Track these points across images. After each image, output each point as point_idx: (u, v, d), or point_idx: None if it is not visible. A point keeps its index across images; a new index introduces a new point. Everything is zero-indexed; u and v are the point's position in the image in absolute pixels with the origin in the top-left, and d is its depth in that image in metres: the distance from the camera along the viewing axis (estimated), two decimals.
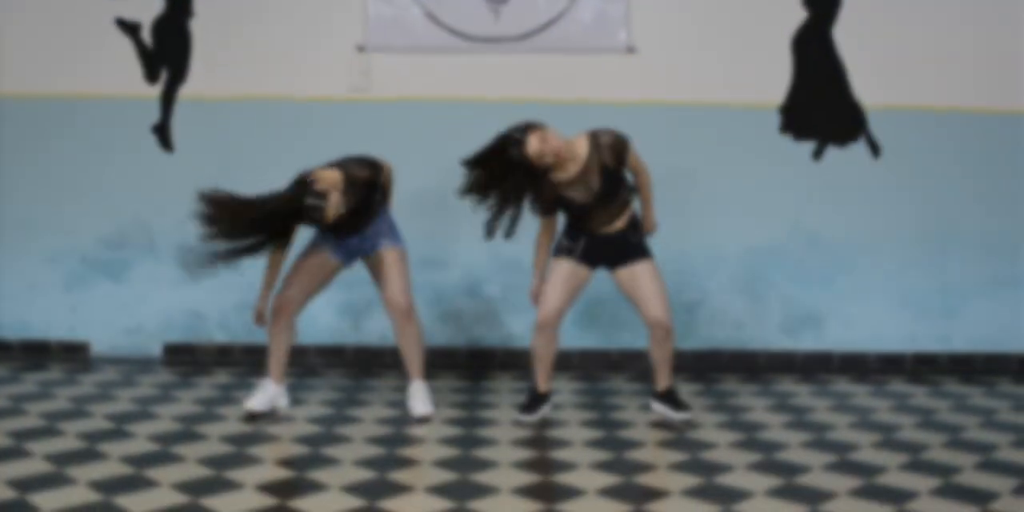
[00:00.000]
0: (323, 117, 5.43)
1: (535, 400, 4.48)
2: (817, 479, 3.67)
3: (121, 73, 5.46)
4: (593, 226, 4.33)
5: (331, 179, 4.10)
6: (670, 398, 4.51)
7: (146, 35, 5.45)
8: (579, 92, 5.44)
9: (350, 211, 4.23)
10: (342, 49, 5.43)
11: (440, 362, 5.46)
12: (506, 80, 5.45)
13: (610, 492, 3.52)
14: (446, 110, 5.43)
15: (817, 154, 5.47)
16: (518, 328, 5.52)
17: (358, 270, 4.73)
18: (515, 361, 5.48)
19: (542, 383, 4.49)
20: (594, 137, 4.26)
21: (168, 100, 5.48)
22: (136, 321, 5.56)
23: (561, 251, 4.40)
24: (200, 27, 5.45)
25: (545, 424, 4.38)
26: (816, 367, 5.50)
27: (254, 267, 5.43)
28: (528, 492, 3.51)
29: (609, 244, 4.36)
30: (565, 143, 4.18)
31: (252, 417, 4.40)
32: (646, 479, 3.67)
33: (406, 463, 3.82)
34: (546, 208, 4.31)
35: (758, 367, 5.50)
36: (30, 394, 4.75)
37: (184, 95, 5.47)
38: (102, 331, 5.57)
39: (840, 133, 5.49)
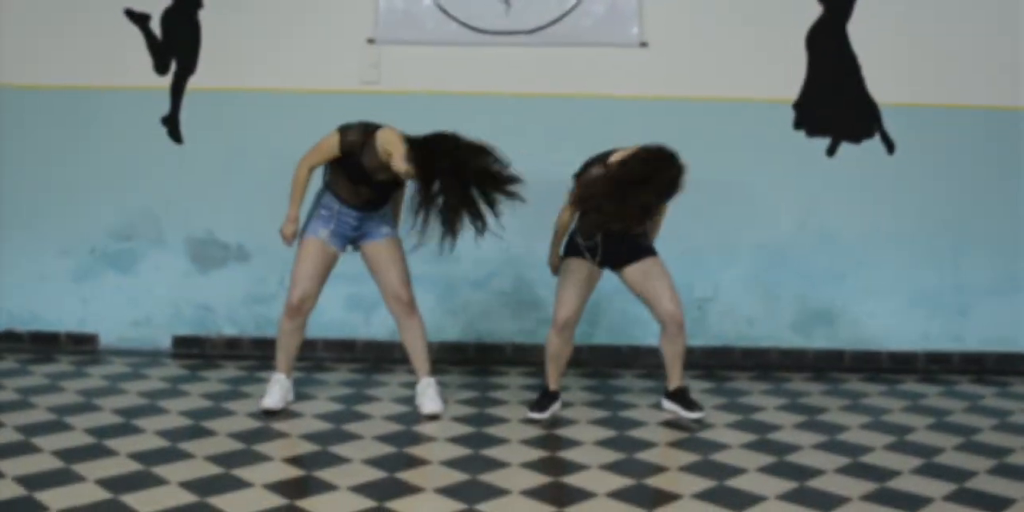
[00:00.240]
0: (333, 109, 5.34)
1: (546, 398, 4.45)
2: (830, 483, 3.64)
3: (131, 64, 5.42)
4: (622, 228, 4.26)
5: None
6: (682, 397, 4.48)
7: (155, 26, 5.41)
8: (590, 86, 5.39)
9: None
10: (353, 41, 5.38)
11: (449, 357, 5.43)
12: (517, 74, 5.41)
13: (620, 495, 3.49)
14: (456, 103, 5.38)
15: (831, 151, 5.42)
16: (528, 323, 5.49)
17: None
18: (525, 356, 5.45)
19: (553, 382, 4.46)
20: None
21: (177, 91, 5.44)
22: (145, 313, 5.54)
23: (575, 251, 4.36)
24: (209, 18, 5.40)
25: (555, 423, 4.36)
26: (827, 365, 5.46)
27: (260, 263, 5.43)
28: (538, 494, 3.49)
29: (623, 243, 4.33)
30: None
31: (268, 413, 4.38)
32: (657, 482, 3.64)
33: (415, 462, 3.80)
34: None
35: (769, 364, 5.47)
36: (39, 387, 4.73)
37: (193, 86, 5.43)
38: (111, 323, 5.55)
39: (854, 129, 5.44)
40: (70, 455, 3.76)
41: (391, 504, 3.36)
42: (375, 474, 3.65)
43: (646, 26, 5.37)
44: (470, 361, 5.46)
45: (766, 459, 3.90)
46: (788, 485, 3.61)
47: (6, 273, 5.53)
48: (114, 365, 5.19)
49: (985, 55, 5.38)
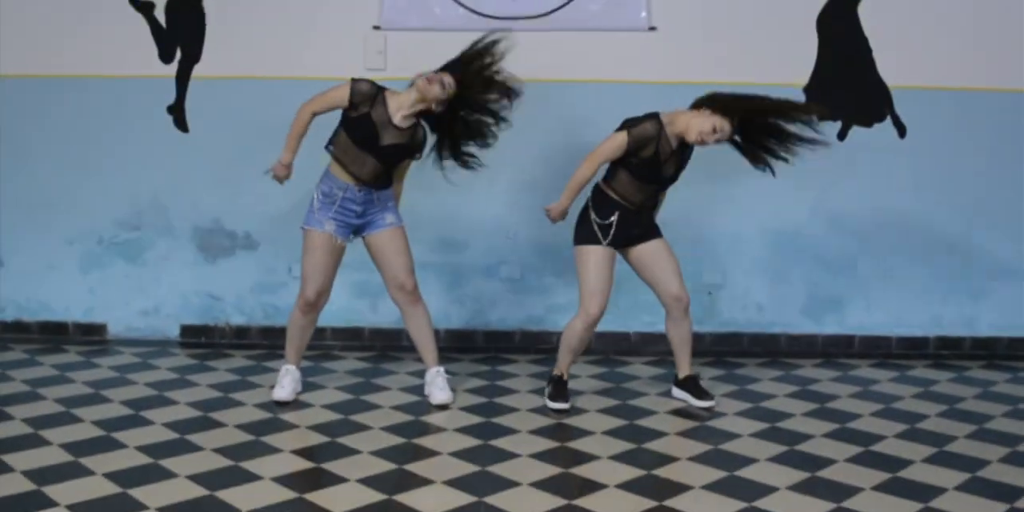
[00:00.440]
0: None
1: (561, 386, 4.42)
2: (841, 472, 3.63)
3: (136, 53, 5.38)
4: (641, 200, 4.26)
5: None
6: (692, 386, 4.46)
7: (160, 14, 5.37)
8: (599, 71, 5.34)
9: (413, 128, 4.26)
10: (358, 28, 5.33)
11: (458, 345, 5.42)
12: (524, 59, 5.30)
13: (631, 486, 3.48)
14: None
15: (842, 135, 5.37)
16: (537, 310, 5.48)
17: None
18: (533, 344, 5.43)
19: (567, 370, 4.44)
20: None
21: (183, 80, 5.41)
22: (153, 303, 5.54)
23: (591, 236, 4.25)
24: (214, 6, 5.35)
25: (564, 412, 4.34)
26: (837, 351, 5.44)
27: (268, 251, 5.42)
28: (548, 485, 3.48)
29: (638, 221, 4.29)
30: None
31: (278, 404, 4.38)
32: (667, 472, 3.62)
33: (425, 454, 3.79)
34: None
35: (779, 350, 5.44)
36: (47, 378, 4.73)
37: (198, 75, 5.40)
38: (119, 312, 5.55)
39: (865, 113, 5.38)
40: (79, 448, 3.76)
41: (400, 497, 3.36)
42: (384, 466, 3.64)
43: (655, 10, 5.31)
44: (478, 349, 5.44)
45: (777, 448, 3.88)
46: (799, 475, 3.59)
47: (14, 263, 5.52)
48: (123, 355, 5.19)
49: (998, 37, 5.30)
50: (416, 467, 3.64)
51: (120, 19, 5.35)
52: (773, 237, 5.43)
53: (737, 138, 4.22)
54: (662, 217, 4.54)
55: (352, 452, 3.78)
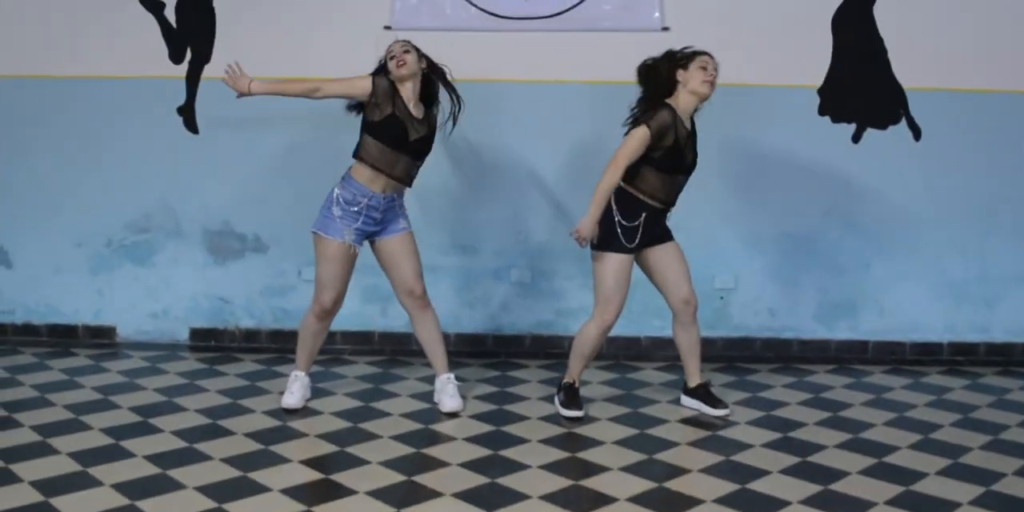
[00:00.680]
0: None
1: (573, 394, 4.39)
2: (854, 486, 3.58)
3: (147, 54, 5.35)
4: (669, 196, 4.22)
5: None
6: (705, 394, 4.42)
7: (170, 15, 5.33)
8: (611, 72, 5.27)
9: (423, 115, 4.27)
10: (369, 28, 5.29)
11: (468, 349, 5.39)
12: (536, 60, 5.31)
13: (641, 499, 3.45)
14: (474, 90, 5.24)
15: (856, 137, 5.32)
16: (547, 315, 5.44)
17: None
18: (543, 348, 5.41)
19: (578, 377, 4.41)
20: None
21: (193, 81, 5.38)
22: (162, 305, 5.52)
23: (614, 242, 4.15)
24: (224, 6, 5.32)
25: (578, 420, 4.31)
26: (851, 356, 5.39)
27: (277, 254, 5.39)
28: (558, 498, 3.44)
29: (660, 221, 4.26)
30: None
31: (287, 411, 4.36)
32: (678, 485, 3.59)
33: (434, 465, 3.76)
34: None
35: (791, 356, 5.40)
36: (56, 383, 4.72)
37: (208, 76, 5.36)
38: (129, 315, 5.54)
39: (880, 115, 5.33)
40: (87, 457, 3.74)
41: (409, 510, 3.33)
42: (393, 477, 3.62)
43: (668, 10, 5.26)
44: (488, 353, 5.41)
45: (789, 460, 3.84)
46: (812, 488, 3.56)
47: (23, 266, 5.52)
48: (132, 359, 5.17)
49: (1011, 38, 5.24)
50: (425, 479, 3.61)
51: (131, 20, 5.32)
52: (786, 241, 5.38)
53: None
54: (673, 221, 4.49)
55: (361, 462, 3.76)
